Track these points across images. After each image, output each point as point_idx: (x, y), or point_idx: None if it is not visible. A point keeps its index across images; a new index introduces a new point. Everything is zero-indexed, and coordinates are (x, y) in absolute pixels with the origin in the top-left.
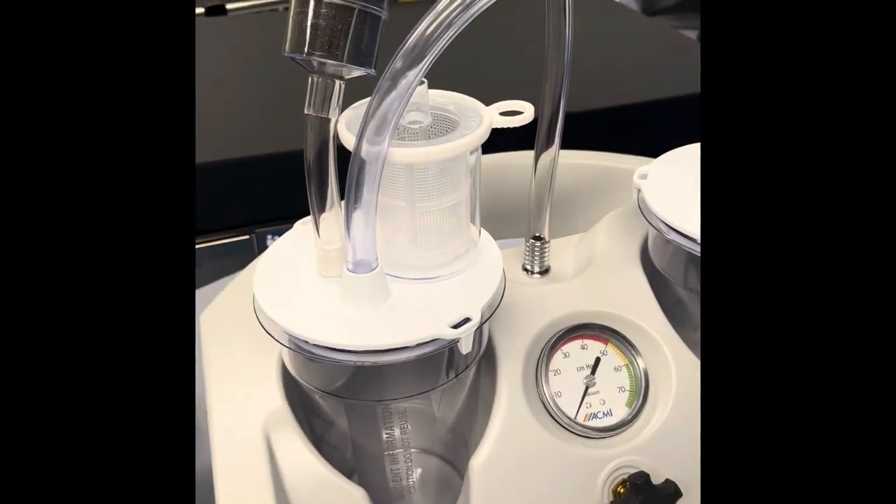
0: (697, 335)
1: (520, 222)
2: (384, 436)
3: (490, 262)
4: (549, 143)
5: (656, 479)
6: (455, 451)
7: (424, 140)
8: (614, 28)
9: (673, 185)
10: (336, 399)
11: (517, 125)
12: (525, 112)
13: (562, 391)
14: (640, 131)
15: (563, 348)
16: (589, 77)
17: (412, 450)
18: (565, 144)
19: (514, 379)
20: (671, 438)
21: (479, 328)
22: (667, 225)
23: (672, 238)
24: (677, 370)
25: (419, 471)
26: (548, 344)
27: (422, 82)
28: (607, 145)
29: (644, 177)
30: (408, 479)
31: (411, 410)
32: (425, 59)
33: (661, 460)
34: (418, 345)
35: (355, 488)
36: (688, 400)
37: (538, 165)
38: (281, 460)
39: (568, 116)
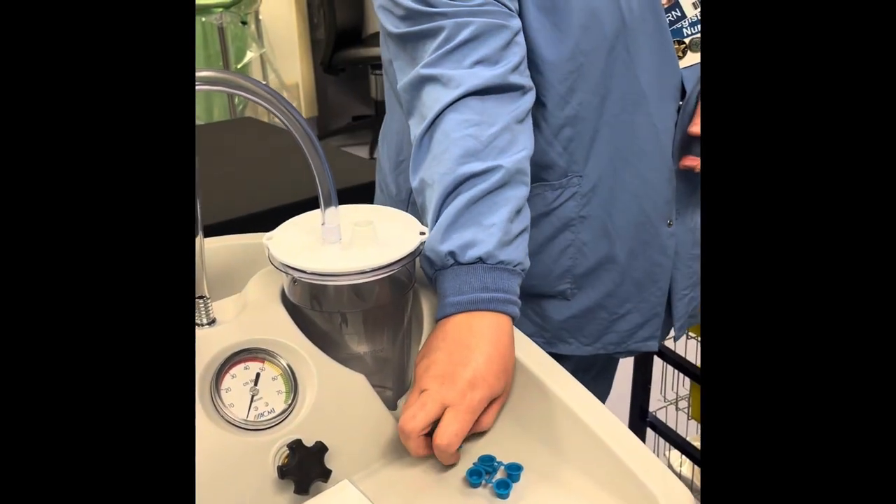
0: (336, 348)
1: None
2: None
3: None
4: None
5: (309, 443)
6: None
7: None
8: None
9: (291, 240)
10: None
11: None
12: None
13: (234, 402)
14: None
15: (230, 371)
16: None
17: None
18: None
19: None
20: (317, 415)
21: None
22: (289, 267)
23: (296, 276)
24: (316, 369)
25: None
26: (216, 370)
27: None
28: None
29: (270, 238)
30: None
31: None
32: None
33: (312, 431)
34: None
35: None
36: (326, 387)
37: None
38: None
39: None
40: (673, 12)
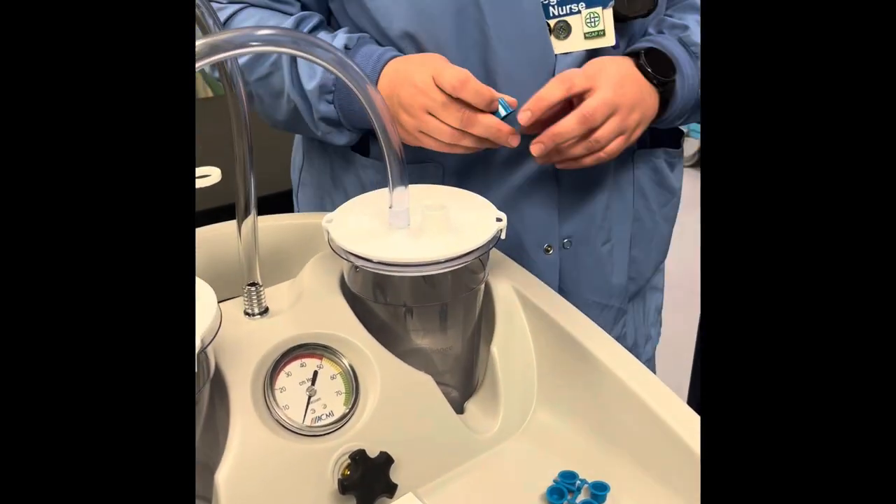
0: (399, 343)
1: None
2: None
3: (205, 302)
4: (247, 212)
5: (373, 454)
6: (205, 484)
7: None
8: None
9: (354, 223)
10: None
11: (207, 185)
12: (212, 175)
13: (289, 404)
14: None
15: (285, 369)
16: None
17: None
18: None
19: (245, 402)
20: (381, 421)
21: (206, 356)
22: (351, 254)
23: (359, 265)
24: (379, 368)
25: None
26: (270, 368)
27: None
28: None
29: (330, 221)
30: None
31: None
32: None
33: (375, 439)
34: None
35: None
36: (390, 389)
37: (242, 231)
38: None
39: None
40: None
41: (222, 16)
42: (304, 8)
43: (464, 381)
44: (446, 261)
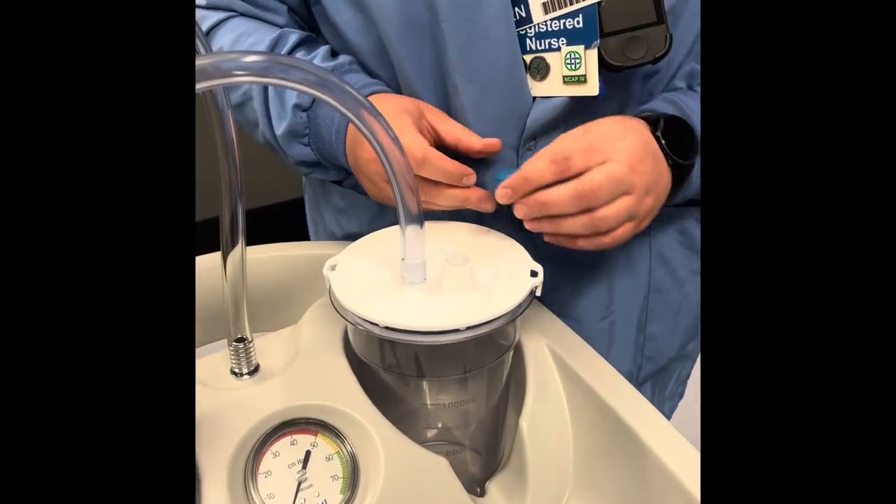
0: (409, 407)
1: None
2: None
3: None
4: (234, 243)
5: None
6: None
7: None
8: None
9: (361, 273)
10: None
11: None
12: None
13: (274, 492)
14: None
15: (272, 448)
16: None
17: None
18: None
19: (219, 490)
20: None
21: None
22: (356, 316)
23: (362, 328)
24: (384, 450)
25: None
26: (254, 447)
27: None
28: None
29: (333, 268)
30: None
31: None
32: None
33: None
34: None
35: None
36: (396, 474)
37: (227, 266)
38: None
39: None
40: (517, 9)
41: (205, 25)
42: (289, 12)
43: (486, 454)
44: (468, 328)
